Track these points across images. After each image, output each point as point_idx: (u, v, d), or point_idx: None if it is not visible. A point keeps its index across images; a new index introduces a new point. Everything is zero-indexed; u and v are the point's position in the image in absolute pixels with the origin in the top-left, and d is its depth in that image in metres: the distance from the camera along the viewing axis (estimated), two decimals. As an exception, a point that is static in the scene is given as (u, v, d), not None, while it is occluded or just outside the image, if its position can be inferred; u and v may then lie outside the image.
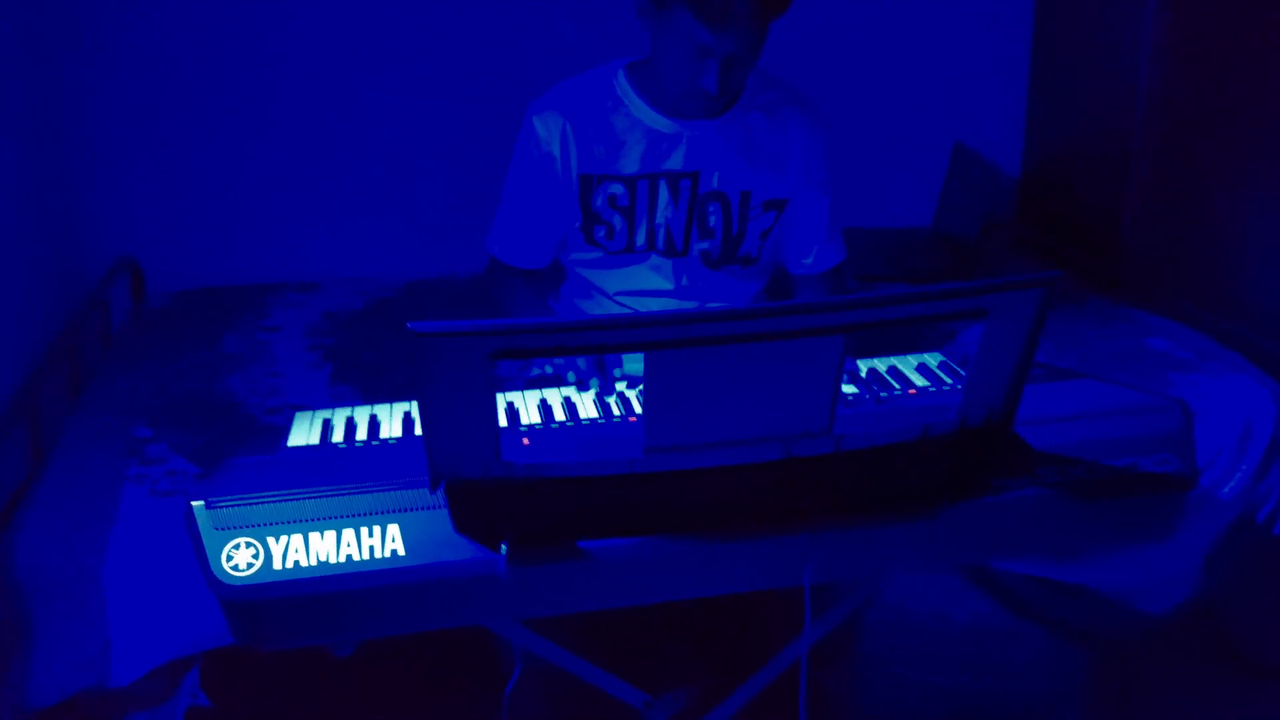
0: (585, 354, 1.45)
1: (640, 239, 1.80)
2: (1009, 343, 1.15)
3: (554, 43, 2.79)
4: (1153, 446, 1.29)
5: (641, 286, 1.85)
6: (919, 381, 1.50)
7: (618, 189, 1.77)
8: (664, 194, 1.77)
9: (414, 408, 1.52)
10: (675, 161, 1.76)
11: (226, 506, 1.14)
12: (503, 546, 1.14)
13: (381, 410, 1.50)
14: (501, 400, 1.50)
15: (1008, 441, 1.25)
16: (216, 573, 1.12)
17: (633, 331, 1.07)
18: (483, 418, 1.09)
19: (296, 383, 2.15)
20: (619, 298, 1.87)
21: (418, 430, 1.43)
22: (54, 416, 2.02)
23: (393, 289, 2.68)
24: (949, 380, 1.53)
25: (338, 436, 1.38)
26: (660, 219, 1.78)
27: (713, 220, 1.80)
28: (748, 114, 1.79)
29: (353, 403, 1.52)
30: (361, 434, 1.38)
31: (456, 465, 1.12)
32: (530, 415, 1.43)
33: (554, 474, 1.14)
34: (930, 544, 1.24)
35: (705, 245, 1.82)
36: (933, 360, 1.63)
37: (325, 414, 1.45)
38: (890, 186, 3.08)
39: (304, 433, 1.42)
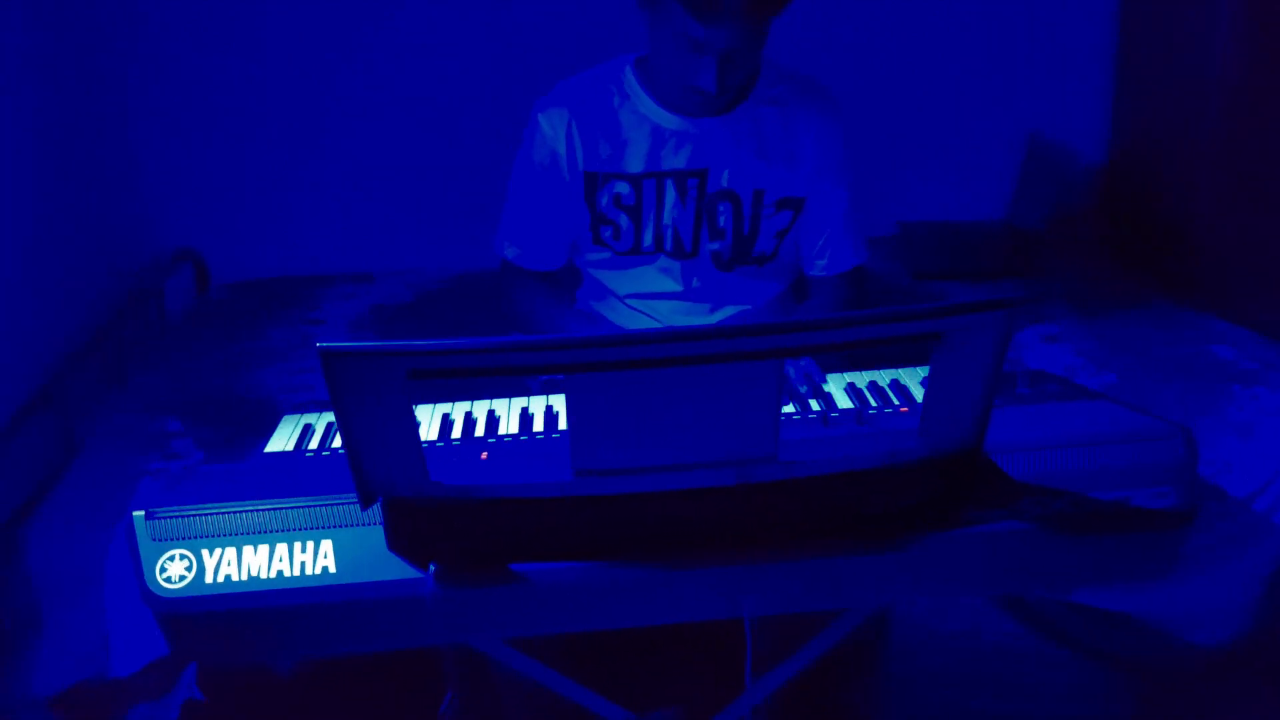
0: (505, 375, 1.41)
1: (648, 239, 1.75)
2: (968, 368, 1.07)
3: (607, 33, 2.74)
4: (1149, 478, 1.18)
5: (650, 289, 1.80)
6: (921, 396, 1.42)
7: (623, 188, 1.72)
8: (671, 194, 1.72)
9: (418, 412, 1.51)
10: (681, 160, 1.70)
11: (165, 517, 1.14)
12: (431, 567, 1.11)
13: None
14: (483, 408, 1.48)
15: (982, 470, 1.17)
16: (150, 584, 1.12)
17: (553, 353, 1.02)
18: (405, 438, 1.06)
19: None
20: (629, 300, 1.82)
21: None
22: (94, 406, 2.08)
23: (442, 281, 2.69)
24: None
25: (314, 443, 1.38)
26: (668, 219, 1.73)
27: (723, 220, 1.74)
28: (759, 109, 1.72)
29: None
30: (338, 440, 1.38)
31: (385, 484, 1.10)
32: (509, 425, 1.40)
33: (483, 495, 1.11)
34: (894, 578, 1.16)
35: (716, 246, 1.75)
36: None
37: (310, 418, 1.45)
38: (964, 177, 2.95)
39: (284, 437, 1.42)
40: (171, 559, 1.13)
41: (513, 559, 1.13)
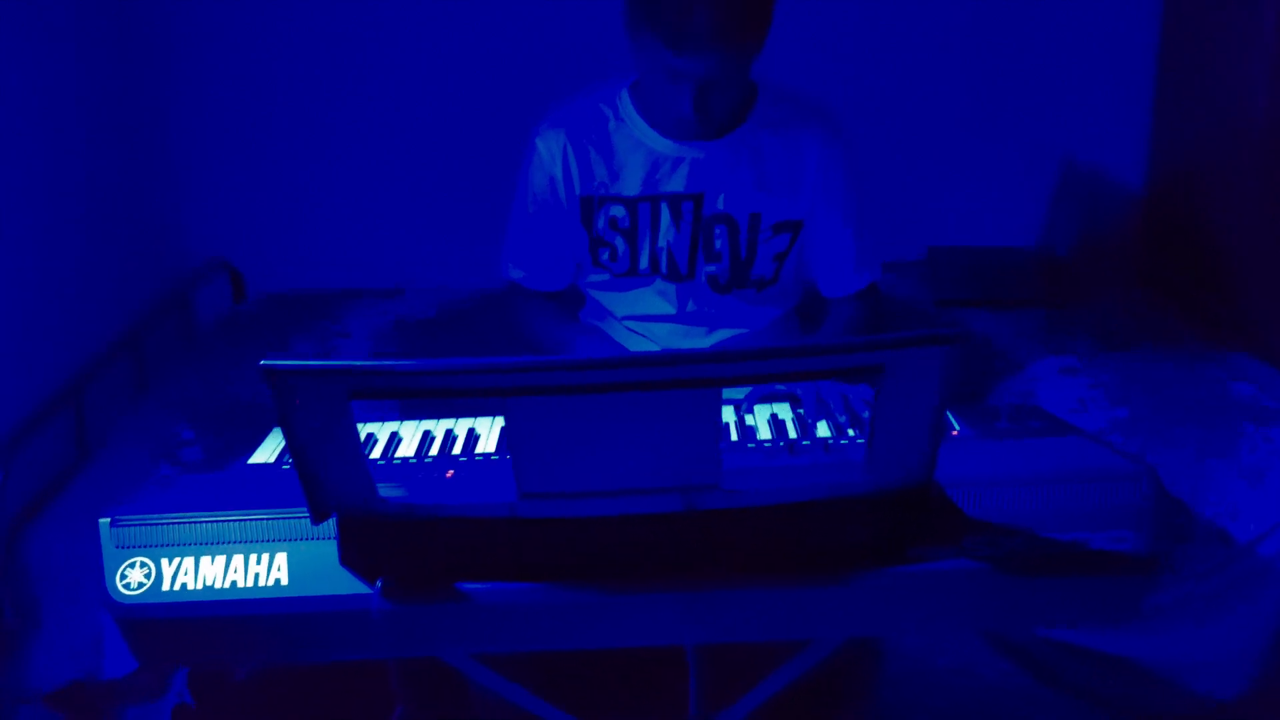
0: (444, 397, 1.42)
1: (644, 262, 1.76)
2: (912, 402, 1.05)
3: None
4: (1108, 521, 1.15)
5: (646, 311, 1.81)
6: None
7: (618, 211, 1.73)
8: (665, 217, 1.73)
9: (402, 428, 1.54)
10: (676, 184, 1.71)
11: (129, 525, 1.18)
12: (377, 583, 1.13)
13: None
14: (465, 426, 1.50)
15: (934, 506, 1.15)
16: (110, 589, 1.16)
17: (491, 377, 1.04)
18: (349, 456, 1.08)
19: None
20: (626, 322, 1.84)
21: (376, 452, 1.45)
22: (116, 410, 2.14)
23: (466, 297, 2.72)
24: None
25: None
26: (662, 242, 1.74)
27: (719, 243, 1.74)
28: (757, 132, 1.72)
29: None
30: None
31: (334, 501, 1.12)
32: (488, 444, 1.42)
33: (429, 514, 1.13)
34: (841, 613, 1.15)
35: (712, 269, 1.76)
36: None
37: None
38: (997, 203, 2.90)
39: (269, 449, 1.46)
40: (132, 566, 1.16)
41: (459, 577, 1.14)
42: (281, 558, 1.16)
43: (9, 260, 2.12)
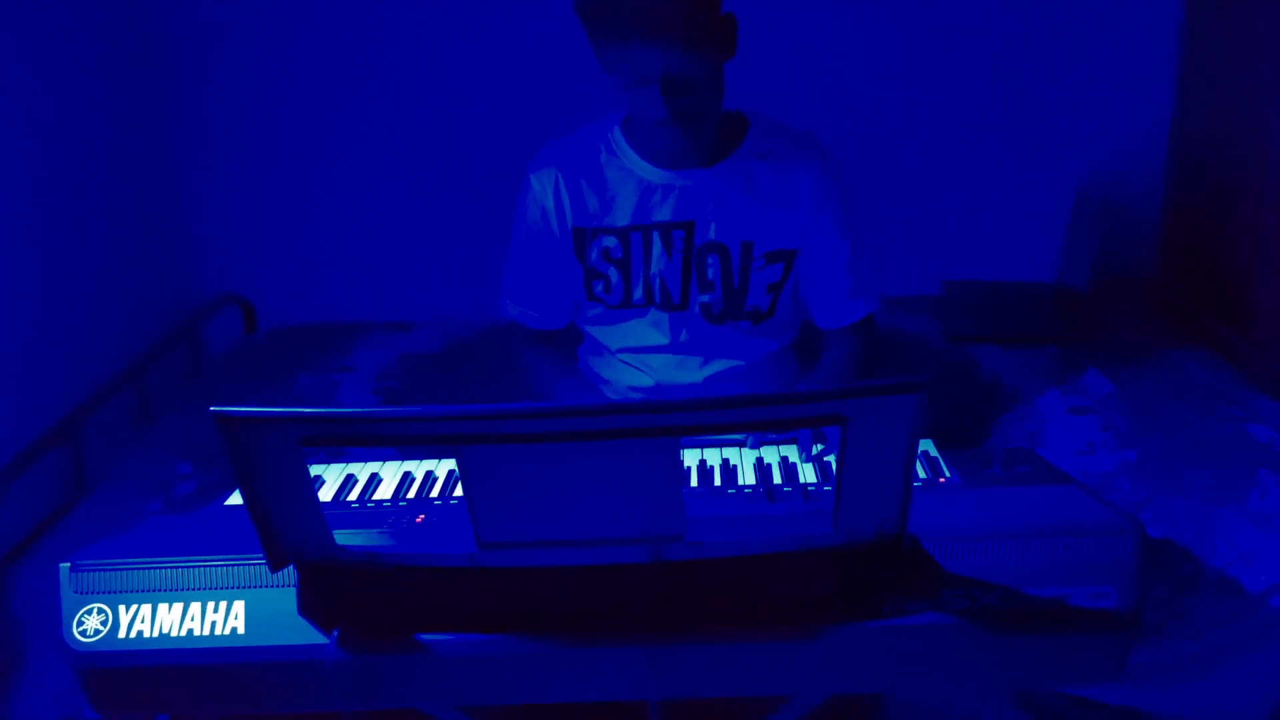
0: (395, 445, 1.40)
1: (637, 292, 1.74)
2: (879, 453, 1.02)
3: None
4: (1089, 576, 1.11)
5: (640, 343, 1.79)
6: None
7: (610, 241, 1.72)
8: (657, 245, 1.71)
9: (384, 468, 1.52)
10: (666, 212, 1.70)
11: (88, 570, 1.16)
12: (334, 633, 1.11)
13: (330, 471, 1.51)
14: (444, 468, 1.48)
15: (909, 559, 1.11)
16: (66, 635, 1.14)
17: (442, 424, 1.01)
18: (304, 503, 1.06)
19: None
20: (621, 355, 1.82)
21: (353, 495, 1.44)
22: (117, 445, 2.14)
23: (473, 332, 2.70)
24: (925, 473, 1.38)
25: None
26: (654, 270, 1.73)
27: (711, 272, 1.72)
28: (748, 161, 1.71)
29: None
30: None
31: (290, 549, 1.10)
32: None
33: (389, 563, 1.10)
34: (811, 668, 1.11)
35: (706, 298, 1.74)
36: (928, 446, 1.49)
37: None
38: (1014, 236, 2.86)
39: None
40: (89, 613, 1.15)
41: (418, 628, 1.12)
42: (239, 606, 1.14)
43: (15, 291, 2.14)
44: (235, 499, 1.43)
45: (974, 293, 2.70)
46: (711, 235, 1.71)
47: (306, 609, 1.13)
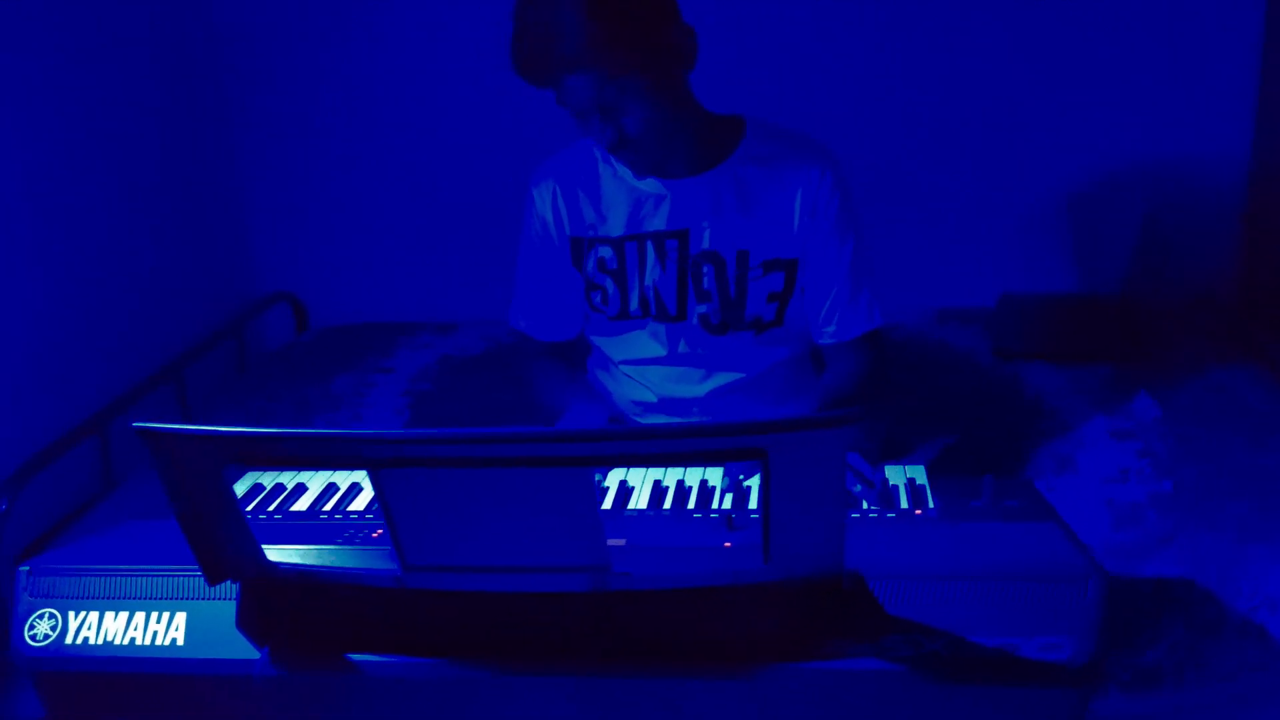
0: (317, 466, 1.38)
1: (634, 303, 1.71)
2: (805, 488, 0.97)
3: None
4: (1044, 626, 1.04)
5: (639, 354, 1.76)
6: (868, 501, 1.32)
7: (606, 252, 1.70)
8: (651, 256, 1.68)
9: (364, 477, 1.52)
10: (659, 221, 1.67)
11: (42, 575, 1.19)
12: (263, 649, 1.11)
13: (316, 479, 1.51)
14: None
15: (850, 599, 1.06)
16: (17, 639, 1.17)
17: (357, 447, 1.00)
18: (231, 520, 1.06)
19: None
20: (622, 367, 1.79)
21: (329, 505, 1.44)
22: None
23: (515, 334, 2.70)
24: (906, 503, 1.32)
25: (253, 504, 1.41)
26: (649, 280, 1.69)
27: (707, 282, 1.68)
28: (742, 168, 1.66)
29: None
30: (275, 504, 1.40)
31: (226, 563, 1.10)
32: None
33: (316, 580, 1.10)
34: (744, 708, 1.07)
35: (703, 309, 1.70)
36: (918, 474, 1.42)
37: (266, 477, 1.48)
38: (1080, 247, 2.73)
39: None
40: (41, 616, 1.17)
41: (348, 647, 1.11)
42: (181, 617, 1.15)
43: (65, 284, 2.21)
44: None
45: (1032, 306, 2.59)
46: (706, 244, 1.66)
47: (244, 623, 1.13)
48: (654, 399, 1.78)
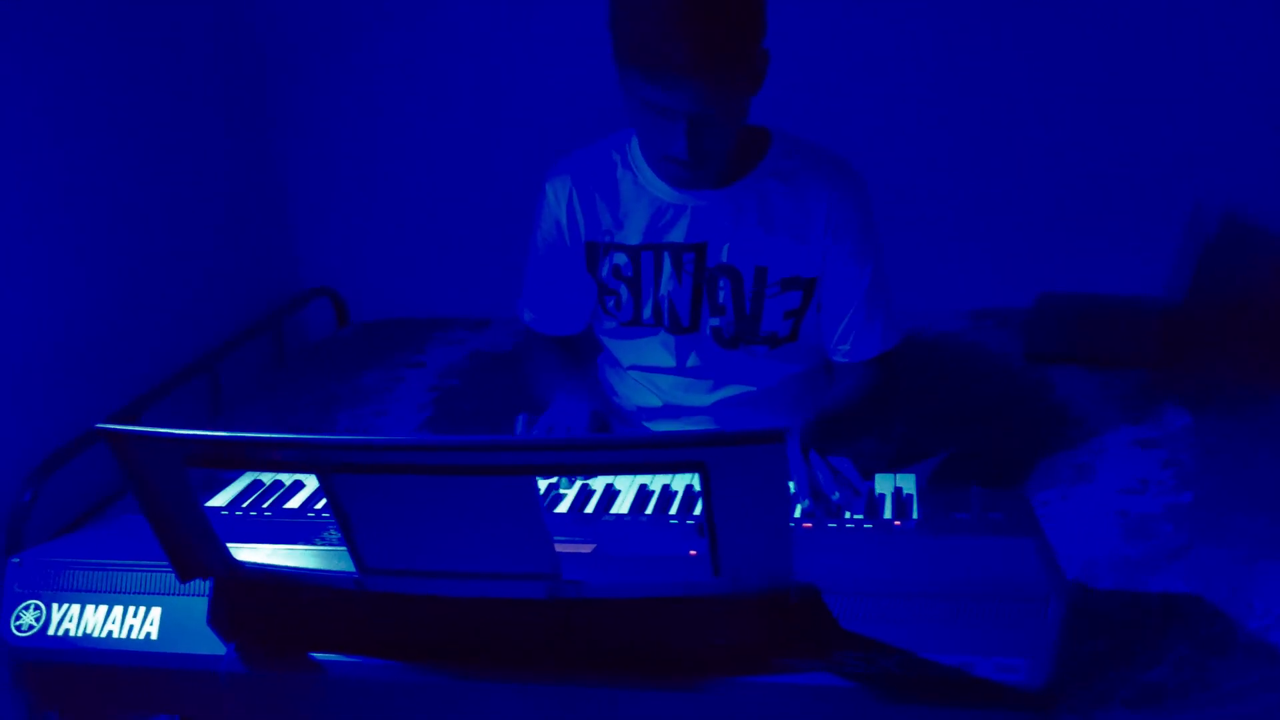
0: (269, 470, 1.40)
1: (646, 312, 1.70)
2: (745, 502, 0.96)
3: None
4: (1000, 646, 1.01)
5: (648, 362, 1.75)
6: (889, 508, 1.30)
7: (621, 259, 1.68)
8: (667, 267, 1.66)
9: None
10: (678, 233, 1.65)
11: (31, 567, 1.23)
12: (229, 645, 1.13)
13: (312, 477, 1.54)
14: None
15: (804, 612, 1.05)
16: (2, 629, 1.21)
17: (310, 452, 1.02)
18: (193, 519, 1.08)
19: (389, 427, 2.24)
20: (631, 372, 1.78)
21: (321, 504, 1.46)
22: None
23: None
24: (891, 514, 1.30)
25: (249, 502, 1.44)
26: (663, 291, 1.68)
27: (722, 296, 1.66)
28: (765, 182, 1.63)
29: None
30: (270, 500, 1.43)
31: (194, 562, 1.13)
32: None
33: (279, 580, 1.12)
34: (692, 718, 1.06)
35: (717, 322, 1.68)
36: (907, 484, 1.40)
37: (267, 475, 1.50)
38: (1124, 245, 2.65)
39: (231, 492, 1.49)
40: (27, 608, 1.21)
41: (313, 647, 1.13)
42: (156, 612, 1.18)
43: (109, 274, 2.27)
44: (217, 500, 1.47)
45: (1069, 307, 2.51)
46: (723, 258, 1.64)
47: (214, 620, 1.16)
48: (659, 404, 1.77)
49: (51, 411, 2.08)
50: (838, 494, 1.31)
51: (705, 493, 0.96)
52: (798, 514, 1.31)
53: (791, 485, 1.36)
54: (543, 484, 1.41)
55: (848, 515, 1.31)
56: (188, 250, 2.57)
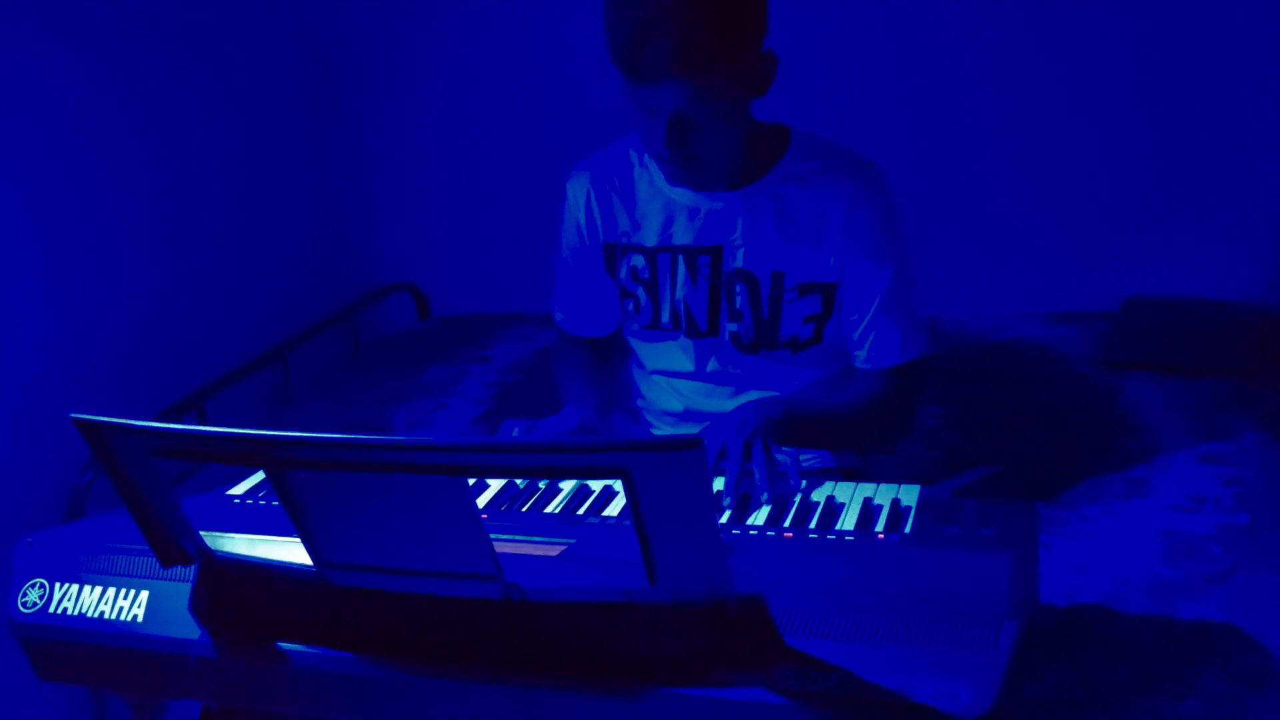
0: (230, 463, 1.41)
1: (665, 315, 1.68)
2: (675, 507, 0.94)
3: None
4: (942, 670, 0.96)
5: (670, 366, 1.73)
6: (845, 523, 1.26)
7: (639, 261, 1.67)
8: (681, 270, 1.64)
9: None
10: (689, 236, 1.62)
11: (41, 548, 1.30)
12: (201, 631, 1.17)
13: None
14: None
15: (748, 625, 1.02)
16: (10, 606, 1.28)
17: (259, 447, 1.04)
18: (168, 508, 1.13)
19: (445, 421, 2.28)
20: (654, 376, 1.77)
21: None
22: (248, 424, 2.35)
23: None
24: (883, 526, 1.26)
25: (265, 491, 1.49)
26: (679, 295, 1.65)
27: (739, 301, 1.63)
28: (782, 185, 1.59)
29: None
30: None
31: (173, 548, 1.17)
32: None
33: (252, 569, 1.15)
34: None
35: (735, 327, 1.65)
36: (908, 496, 1.34)
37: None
38: (1218, 248, 2.50)
39: (250, 481, 1.54)
40: (33, 586, 1.28)
41: (280, 636, 1.16)
42: (144, 595, 1.23)
43: (193, 268, 2.38)
44: (237, 489, 1.52)
45: (1155, 312, 2.39)
46: (739, 263, 1.61)
47: (194, 605, 1.20)
48: (680, 409, 1.75)
49: (121, 395, 2.19)
50: (766, 495, 1.28)
51: (631, 500, 0.95)
52: (761, 520, 1.28)
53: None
54: (542, 484, 1.41)
55: (839, 526, 1.27)
56: (270, 246, 2.68)
